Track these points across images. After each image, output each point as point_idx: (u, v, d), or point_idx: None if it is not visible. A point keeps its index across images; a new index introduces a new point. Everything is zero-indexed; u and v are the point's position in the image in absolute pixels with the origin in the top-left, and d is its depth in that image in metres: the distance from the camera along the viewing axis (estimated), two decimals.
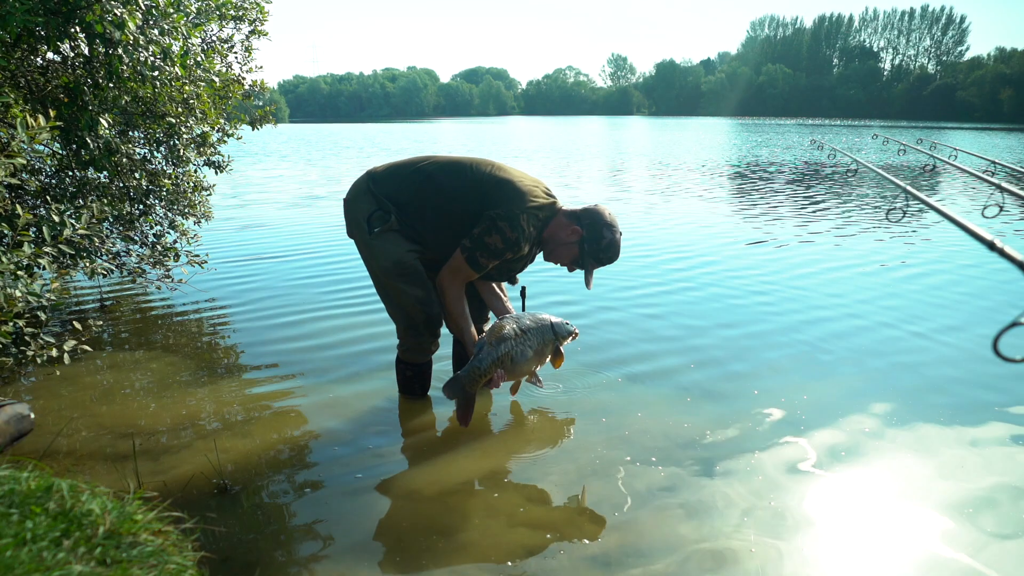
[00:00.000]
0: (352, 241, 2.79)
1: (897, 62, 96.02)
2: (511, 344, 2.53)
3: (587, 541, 1.96)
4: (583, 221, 2.63)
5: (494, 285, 2.91)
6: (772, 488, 2.24)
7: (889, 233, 6.96)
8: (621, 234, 2.68)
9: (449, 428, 2.71)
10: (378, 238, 2.63)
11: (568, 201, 2.83)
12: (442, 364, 3.12)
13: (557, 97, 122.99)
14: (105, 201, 3.61)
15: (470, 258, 2.57)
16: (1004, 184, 2.28)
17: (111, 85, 3.24)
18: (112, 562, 1.31)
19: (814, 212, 8.45)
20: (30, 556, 1.23)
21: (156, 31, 3.12)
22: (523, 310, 3.01)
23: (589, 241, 2.62)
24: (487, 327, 2.69)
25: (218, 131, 4.43)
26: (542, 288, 4.50)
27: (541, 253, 2.80)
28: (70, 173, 3.71)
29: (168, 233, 4.46)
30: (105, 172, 3.68)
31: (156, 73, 3.36)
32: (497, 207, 2.54)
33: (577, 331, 2.78)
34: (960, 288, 4.80)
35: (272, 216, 8.16)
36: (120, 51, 2.99)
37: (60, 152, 3.58)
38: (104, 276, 4.00)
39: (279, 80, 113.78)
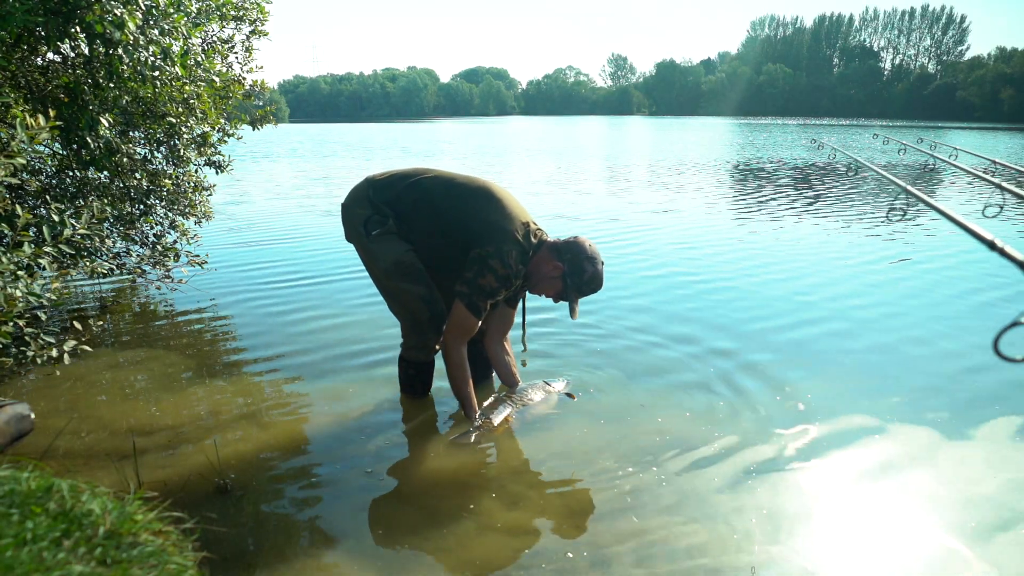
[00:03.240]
0: (351, 245, 2.80)
1: (897, 62, 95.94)
2: (511, 411, 2.78)
3: (586, 542, 1.96)
4: (564, 256, 2.65)
5: (506, 358, 2.95)
6: (772, 488, 2.24)
7: (889, 232, 6.96)
8: (603, 264, 2.71)
9: (449, 427, 2.71)
10: (376, 241, 2.65)
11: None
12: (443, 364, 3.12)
13: (557, 97, 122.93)
14: (105, 201, 3.61)
15: (470, 305, 2.56)
16: (1004, 184, 2.28)
17: (111, 85, 3.25)
18: (112, 562, 1.31)
19: (813, 211, 8.44)
20: (30, 556, 1.23)
21: (156, 31, 3.12)
22: (523, 312, 3.02)
23: (571, 275, 2.64)
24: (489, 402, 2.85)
25: (218, 131, 4.43)
26: None
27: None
28: (70, 173, 3.71)
29: (168, 233, 4.47)
30: (105, 172, 3.68)
31: (156, 73, 3.36)
32: (487, 244, 2.55)
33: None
34: (961, 287, 4.80)
35: (273, 216, 8.17)
36: (120, 51, 2.99)
37: (60, 152, 3.58)
38: (104, 276, 4.00)
39: (279, 80, 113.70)
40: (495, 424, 2.67)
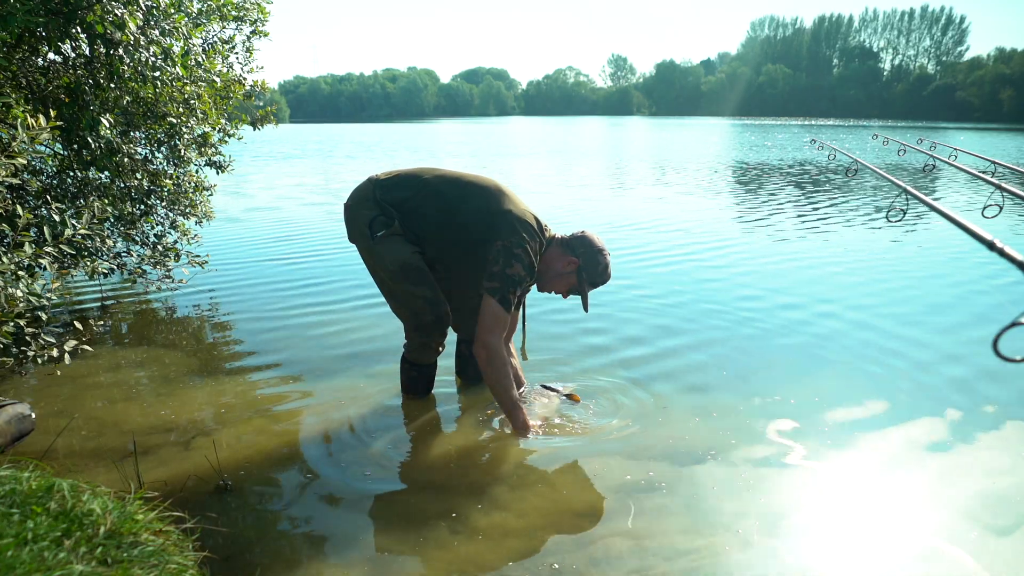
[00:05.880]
0: (353, 245, 2.79)
1: (897, 62, 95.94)
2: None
3: (585, 543, 1.96)
4: (578, 251, 2.67)
5: (511, 360, 2.89)
6: (773, 490, 2.24)
7: (889, 233, 6.96)
8: (610, 253, 2.73)
9: (453, 428, 2.71)
10: (381, 242, 2.63)
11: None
12: (445, 362, 3.12)
13: (557, 97, 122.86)
14: (106, 201, 3.62)
15: (502, 299, 2.51)
16: (1004, 184, 2.28)
17: (112, 85, 3.25)
18: (113, 562, 1.32)
19: (812, 212, 8.44)
20: (31, 556, 1.23)
21: (157, 31, 3.13)
22: (523, 321, 3.01)
23: (587, 270, 2.67)
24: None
25: (219, 131, 4.44)
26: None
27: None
28: (71, 173, 3.71)
29: (169, 233, 4.47)
30: (106, 172, 3.68)
31: (157, 73, 3.36)
32: (508, 235, 2.53)
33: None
34: (960, 288, 4.80)
35: (275, 217, 8.17)
36: (121, 51, 2.99)
37: (61, 152, 3.59)
38: (105, 276, 4.01)
39: (280, 80, 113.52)
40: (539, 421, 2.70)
